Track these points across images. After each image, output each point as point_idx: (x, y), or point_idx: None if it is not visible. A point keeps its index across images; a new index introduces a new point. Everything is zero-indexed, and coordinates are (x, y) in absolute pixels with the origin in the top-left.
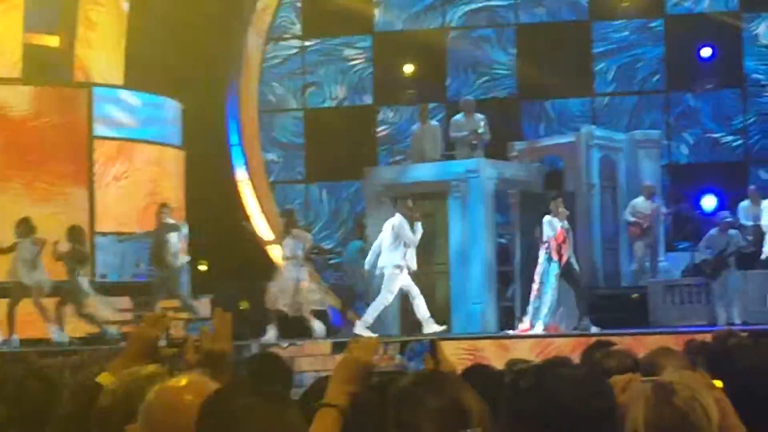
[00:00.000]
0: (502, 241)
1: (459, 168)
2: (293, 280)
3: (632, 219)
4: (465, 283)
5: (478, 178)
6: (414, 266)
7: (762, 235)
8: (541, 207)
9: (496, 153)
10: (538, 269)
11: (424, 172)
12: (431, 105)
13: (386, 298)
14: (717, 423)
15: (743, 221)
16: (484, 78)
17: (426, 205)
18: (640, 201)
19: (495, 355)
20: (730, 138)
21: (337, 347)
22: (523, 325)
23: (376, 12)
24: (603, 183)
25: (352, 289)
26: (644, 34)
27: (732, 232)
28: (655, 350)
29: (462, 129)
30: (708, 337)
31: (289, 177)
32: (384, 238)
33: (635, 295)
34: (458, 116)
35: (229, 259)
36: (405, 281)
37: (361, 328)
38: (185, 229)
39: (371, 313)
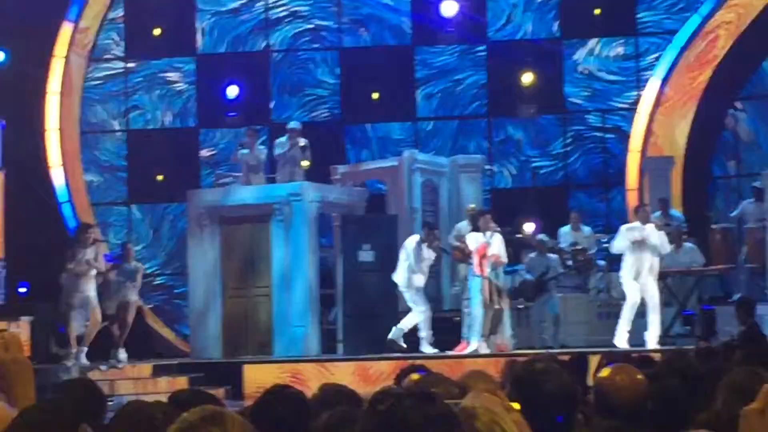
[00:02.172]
0: (325, 264)
1: (282, 191)
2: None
3: (456, 243)
4: (287, 306)
5: (301, 201)
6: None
7: (583, 259)
8: (363, 230)
9: (319, 176)
10: (466, 285)
11: (247, 194)
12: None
13: (419, 313)
14: None
15: (563, 246)
16: (307, 100)
17: (249, 228)
18: (463, 225)
19: (316, 378)
20: (550, 163)
21: (158, 370)
22: (461, 344)
23: (199, 34)
24: (425, 207)
25: None
26: (466, 59)
27: (551, 256)
28: (466, 373)
29: (285, 151)
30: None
31: (110, 198)
32: (404, 258)
33: (457, 318)
34: (282, 138)
35: (50, 281)
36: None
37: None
38: None
39: (404, 324)
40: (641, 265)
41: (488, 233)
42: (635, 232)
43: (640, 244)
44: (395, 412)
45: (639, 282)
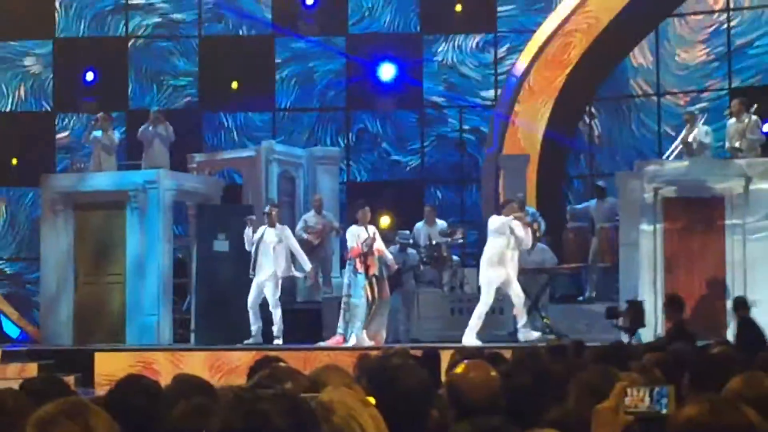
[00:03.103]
0: (179, 253)
1: (137, 178)
2: None
3: (305, 235)
4: (140, 295)
5: (157, 189)
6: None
7: (436, 254)
8: (218, 219)
9: (176, 164)
10: (345, 281)
11: (102, 181)
12: (113, 114)
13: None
14: None
15: (418, 240)
16: (166, 88)
17: (103, 215)
18: (310, 215)
19: (167, 369)
20: (407, 158)
21: (7, 356)
22: (336, 338)
23: (57, 16)
24: (282, 198)
25: None
26: (326, 51)
27: (409, 250)
28: (321, 367)
29: (148, 138)
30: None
31: None
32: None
33: (312, 309)
34: (145, 124)
35: None
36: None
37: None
38: None
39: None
40: (504, 256)
41: (369, 228)
42: (504, 224)
43: (504, 237)
44: (257, 413)
45: (500, 273)
